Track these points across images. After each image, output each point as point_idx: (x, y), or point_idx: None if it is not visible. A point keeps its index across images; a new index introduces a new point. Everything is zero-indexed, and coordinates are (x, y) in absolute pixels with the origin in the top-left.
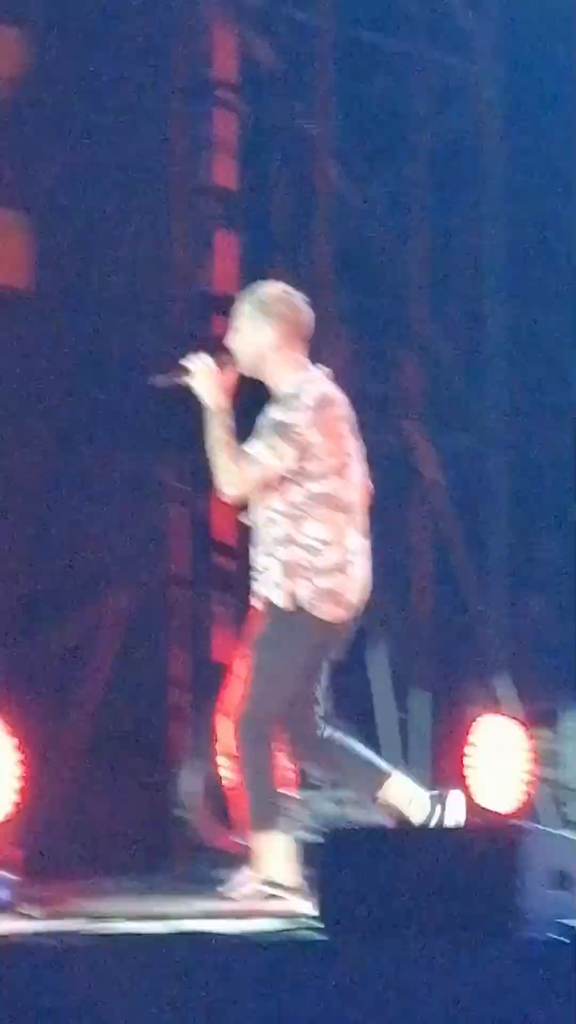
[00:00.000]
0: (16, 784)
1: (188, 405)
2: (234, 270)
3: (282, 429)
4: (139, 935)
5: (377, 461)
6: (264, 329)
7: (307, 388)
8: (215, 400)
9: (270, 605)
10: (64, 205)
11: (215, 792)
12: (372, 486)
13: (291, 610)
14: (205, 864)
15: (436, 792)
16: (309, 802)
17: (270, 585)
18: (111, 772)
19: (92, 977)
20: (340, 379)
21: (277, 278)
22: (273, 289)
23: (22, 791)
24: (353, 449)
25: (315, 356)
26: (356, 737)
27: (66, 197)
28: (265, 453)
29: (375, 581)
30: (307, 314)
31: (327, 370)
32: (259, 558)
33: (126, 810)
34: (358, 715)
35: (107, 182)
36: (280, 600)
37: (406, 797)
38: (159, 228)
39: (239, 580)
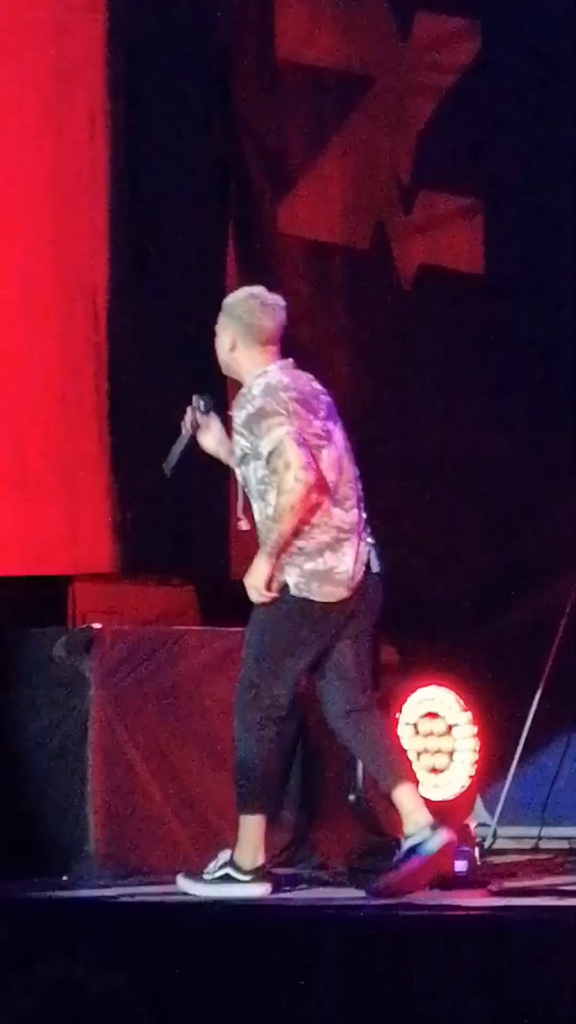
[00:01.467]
0: (472, 758)
1: None
2: None
3: (266, 411)
4: None
5: None
6: (226, 330)
7: (257, 382)
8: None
9: None
10: (516, 191)
11: None
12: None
13: (279, 595)
14: None
15: (434, 823)
16: None
17: None
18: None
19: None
20: None
21: None
22: (238, 294)
23: (477, 765)
24: (323, 430)
25: None
26: None
27: (518, 183)
28: (280, 431)
29: None
30: (266, 318)
31: (288, 361)
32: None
33: None
34: None
35: (559, 167)
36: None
37: (410, 807)
38: None
39: None
